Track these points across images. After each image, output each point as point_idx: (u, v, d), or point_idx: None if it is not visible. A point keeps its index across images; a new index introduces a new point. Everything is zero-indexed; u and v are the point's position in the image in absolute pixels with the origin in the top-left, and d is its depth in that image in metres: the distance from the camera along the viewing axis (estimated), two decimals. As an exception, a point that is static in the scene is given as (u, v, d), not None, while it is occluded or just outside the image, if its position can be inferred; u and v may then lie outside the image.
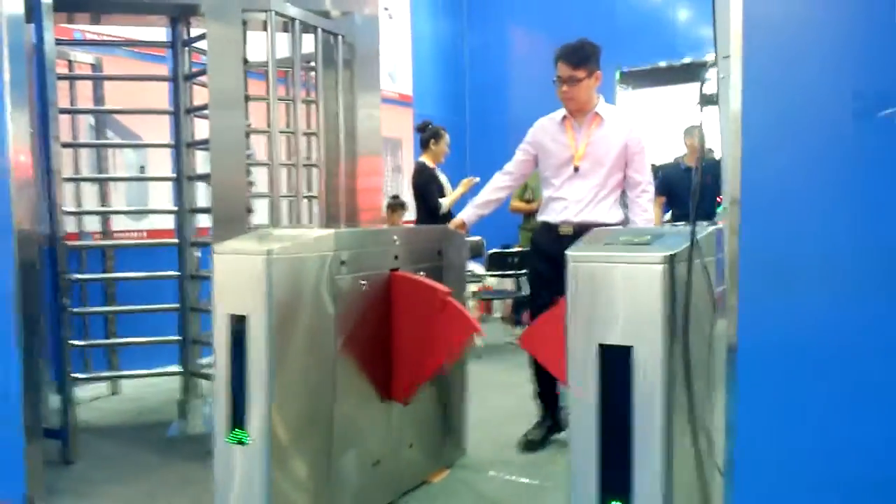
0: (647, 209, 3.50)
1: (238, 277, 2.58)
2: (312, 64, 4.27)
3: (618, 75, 8.03)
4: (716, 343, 2.01)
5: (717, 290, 2.11)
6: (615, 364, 1.92)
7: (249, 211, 3.96)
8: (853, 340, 1.62)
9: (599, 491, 1.97)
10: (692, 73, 7.90)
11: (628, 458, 1.92)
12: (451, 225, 3.68)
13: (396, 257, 3.05)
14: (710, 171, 6.23)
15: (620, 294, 1.93)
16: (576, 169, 3.46)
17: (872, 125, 1.58)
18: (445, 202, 5.75)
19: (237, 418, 2.58)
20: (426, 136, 5.89)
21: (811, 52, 1.65)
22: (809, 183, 1.66)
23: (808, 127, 1.65)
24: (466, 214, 3.71)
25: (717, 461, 1.87)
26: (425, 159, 5.86)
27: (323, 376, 2.71)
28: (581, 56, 3.44)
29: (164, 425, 4.21)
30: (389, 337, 3.03)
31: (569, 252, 2.03)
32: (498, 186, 3.73)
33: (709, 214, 6.11)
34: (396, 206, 6.33)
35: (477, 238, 6.68)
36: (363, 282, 2.85)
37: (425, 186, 5.78)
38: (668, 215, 6.37)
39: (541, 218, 3.63)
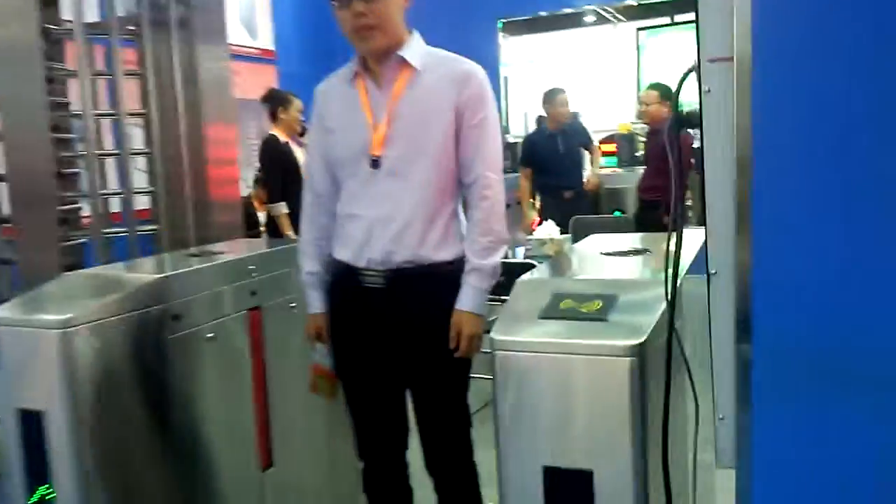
0: (490, 230, 1.94)
1: (27, 359, 1.85)
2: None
3: (500, 25, 7.47)
4: (699, 450, 1.47)
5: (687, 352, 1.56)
6: (569, 494, 1.34)
7: (64, 222, 3.13)
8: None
9: None
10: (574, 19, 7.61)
11: None
12: (309, 334, 2.17)
13: (254, 293, 2.35)
14: (576, 136, 5.78)
15: (571, 398, 1.33)
16: (374, 163, 1.94)
17: None
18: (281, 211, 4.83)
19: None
20: (272, 106, 4.94)
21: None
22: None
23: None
24: (318, 302, 2.14)
25: None
26: (277, 132, 4.91)
27: (161, 466, 2.04)
28: None
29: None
30: (255, 392, 2.37)
31: (493, 336, 1.39)
32: (321, 224, 2.12)
33: (573, 182, 5.60)
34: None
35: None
36: (210, 334, 2.16)
37: (269, 166, 4.93)
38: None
39: (335, 253, 2.09)
